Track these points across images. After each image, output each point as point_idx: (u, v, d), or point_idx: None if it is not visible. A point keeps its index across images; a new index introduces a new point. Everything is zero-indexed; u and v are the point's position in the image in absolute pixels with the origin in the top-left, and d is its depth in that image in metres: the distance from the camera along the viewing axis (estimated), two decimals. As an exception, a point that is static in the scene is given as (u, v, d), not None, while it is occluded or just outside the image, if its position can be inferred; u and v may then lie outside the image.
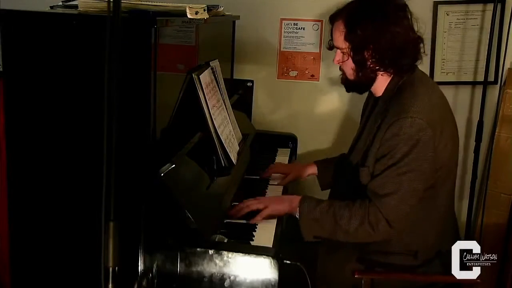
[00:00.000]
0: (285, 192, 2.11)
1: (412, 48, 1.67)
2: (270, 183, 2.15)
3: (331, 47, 1.79)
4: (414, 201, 1.61)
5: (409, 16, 1.68)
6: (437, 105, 1.68)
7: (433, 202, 1.68)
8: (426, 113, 1.59)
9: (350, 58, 1.69)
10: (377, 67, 1.68)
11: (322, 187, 2.15)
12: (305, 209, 1.70)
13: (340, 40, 1.69)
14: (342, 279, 1.73)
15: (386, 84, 1.73)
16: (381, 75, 1.71)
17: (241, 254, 1.45)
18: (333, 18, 1.74)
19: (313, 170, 2.18)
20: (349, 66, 1.71)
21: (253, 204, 1.77)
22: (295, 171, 2.19)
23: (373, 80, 1.73)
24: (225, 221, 1.72)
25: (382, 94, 1.75)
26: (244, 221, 1.74)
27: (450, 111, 1.76)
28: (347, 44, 1.67)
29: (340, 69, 1.78)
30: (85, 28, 1.44)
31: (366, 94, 1.93)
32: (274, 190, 2.10)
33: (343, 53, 1.71)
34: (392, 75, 1.71)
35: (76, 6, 1.59)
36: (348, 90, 1.82)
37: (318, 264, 1.80)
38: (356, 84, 1.76)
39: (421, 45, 1.70)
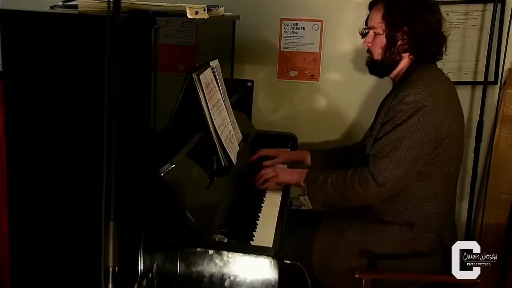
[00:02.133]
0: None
1: (440, 38, 1.83)
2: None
3: (363, 34, 1.94)
4: (406, 167, 1.69)
5: (441, 13, 1.84)
6: (443, 87, 1.81)
7: (431, 179, 1.76)
8: (430, 87, 1.72)
9: (382, 35, 1.83)
10: (405, 49, 1.82)
11: None
12: (310, 179, 1.86)
13: (377, 19, 1.84)
14: (340, 270, 1.77)
15: (405, 70, 1.86)
16: (404, 59, 1.85)
17: (241, 254, 1.45)
18: (373, 2, 1.89)
19: (302, 156, 2.24)
20: (379, 45, 1.85)
21: (267, 172, 1.98)
22: (284, 155, 2.25)
23: (397, 62, 1.86)
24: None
25: (398, 79, 1.88)
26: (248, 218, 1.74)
27: (457, 99, 1.87)
28: (383, 22, 1.82)
29: (368, 51, 1.92)
30: (85, 28, 1.44)
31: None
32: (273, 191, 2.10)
33: (375, 33, 1.85)
34: (412, 62, 1.84)
35: (76, 6, 1.59)
36: (371, 72, 1.95)
37: (314, 250, 1.83)
38: (381, 64, 1.88)
39: (444, 43, 1.85)
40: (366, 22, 1.92)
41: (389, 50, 1.84)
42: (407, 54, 1.84)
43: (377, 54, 1.87)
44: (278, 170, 2.02)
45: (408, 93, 1.70)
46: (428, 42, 1.81)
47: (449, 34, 1.91)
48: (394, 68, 1.88)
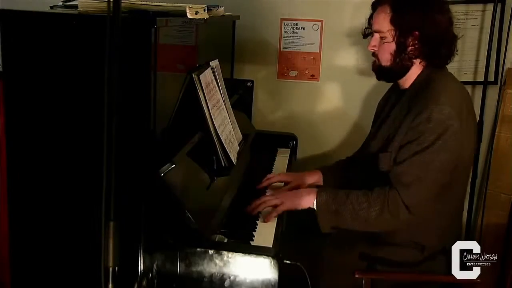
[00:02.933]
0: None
1: (451, 40, 1.71)
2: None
3: (366, 34, 1.81)
4: (436, 191, 1.61)
5: (450, 11, 1.72)
6: (465, 101, 1.70)
7: (447, 199, 1.68)
8: (455, 104, 1.61)
9: (392, 42, 1.69)
10: (417, 54, 1.70)
11: None
12: (323, 201, 1.70)
13: (384, 23, 1.70)
14: (347, 278, 1.73)
15: (416, 76, 1.75)
16: (415, 65, 1.73)
17: (241, 254, 1.45)
18: (377, 2, 1.75)
19: (314, 178, 2.08)
20: (388, 51, 1.72)
21: (270, 200, 1.78)
22: (295, 180, 2.05)
23: (407, 68, 1.74)
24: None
25: (411, 85, 1.76)
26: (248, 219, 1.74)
27: (473, 111, 1.78)
28: (392, 27, 1.68)
29: (373, 55, 1.78)
30: (85, 28, 1.44)
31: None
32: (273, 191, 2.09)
33: (381, 38, 1.72)
34: (423, 67, 1.73)
35: (76, 6, 1.59)
36: (379, 78, 1.82)
37: (324, 262, 1.80)
38: (390, 71, 1.75)
39: (455, 43, 1.74)
40: (370, 22, 1.78)
41: (399, 56, 1.70)
42: (418, 60, 1.72)
43: (386, 60, 1.74)
44: (282, 197, 1.79)
45: (434, 111, 1.58)
46: (440, 45, 1.69)
47: (460, 33, 1.78)
48: (404, 74, 1.75)
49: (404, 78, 1.77)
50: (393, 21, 1.68)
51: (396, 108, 1.78)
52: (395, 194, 1.60)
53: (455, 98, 1.64)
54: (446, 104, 1.59)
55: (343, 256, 1.77)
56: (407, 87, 1.77)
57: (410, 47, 1.69)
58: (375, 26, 1.74)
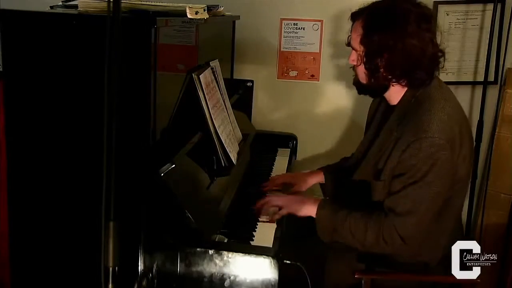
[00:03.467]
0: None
1: (428, 63, 1.60)
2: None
3: (349, 43, 1.74)
4: (431, 219, 1.61)
5: (433, 29, 1.62)
6: (455, 120, 1.62)
7: (447, 214, 1.67)
8: (445, 132, 1.55)
9: (362, 64, 1.65)
10: (389, 77, 1.64)
11: (324, 195, 2.10)
12: (323, 215, 1.71)
13: (356, 42, 1.65)
14: (347, 278, 1.73)
15: (402, 94, 1.68)
16: (394, 85, 1.67)
17: (241, 254, 1.45)
18: (354, 16, 1.70)
19: (317, 179, 2.10)
20: (362, 70, 1.68)
21: (274, 200, 1.81)
22: (297, 182, 2.09)
23: (385, 88, 1.69)
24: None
25: (398, 103, 1.70)
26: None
27: (467, 122, 1.71)
28: (362, 47, 1.63)
29: (353, 69, 1.75)
30: (85, 28, 1.44)
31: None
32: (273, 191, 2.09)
33: (358, 55, 1.67)
34: (407, 87, 1.66)
35: (76, 6, 1.59)
36: (359, 92, 1.78)
37: (327, 268, 1.79)
38: (368, 88, 1.72)
39: (441, 59, 1.66)
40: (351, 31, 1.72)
41: (372, 76, 1.64)
42: (393, 82, 1.65)
43: (362, 78, 1.69)
44: (286, 201, 1.81)
45: (423, 144, 1.53)
46: (414, 68, 1.59)
47: (446, 47, 1.69)
48: (384, 92, 1.70)
49: (388, 94, 1.72)
50: (362, 42, 1.63)
51: (385, 128, 1.73)
52: (390, 225, 1.59)
53: (446, 125, 1.57)
54: (436, 135, 1.53)
55: (343, 260, 1.77)
56: (394, 103, 1.72)
57: (381, 69, 1.62)
58: (351, 42, 1.70)
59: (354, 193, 1.83)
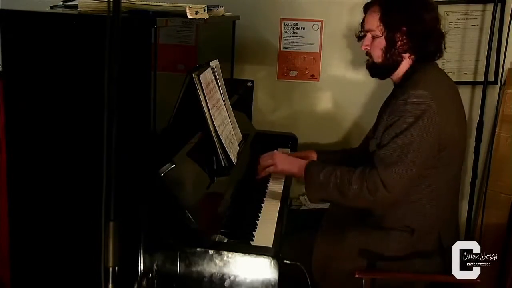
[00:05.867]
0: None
1: (437, 37, 1.82)
2: (269, 182, 2.15)
3: (359, 37, 1.92)
4: (414, 173, 1.67)
5: (437, 11, 1.84)
6: (447, 86, 1.82)
7: (434, 183, 1.74)
8: (433, 89, 1.69)
9: (381, 37, 1.80)
10: (405, 49, 1.80)
11: None
12: (311, 172, 1.81)
13: (374, 21, 1.81)
14: (341, 273, 1.75)
15: (405, 70, 1.84)
16: (405, 60, 1.83)
17: (241, 254, 1.45)
18: (368, 4, 1.87)
19: (312, 155, 2.18)
20: (378, 47, 1.82)
21: (265, 160, 1.97)
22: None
23: (398, 63, 1.83)
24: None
25: (400, 79, 1.86)
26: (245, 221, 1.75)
27: (459, 100, 1.86)
28: (381, 24, 1.80)
29: (367, 54, 1.89)
30: (85, 28, 1.44)
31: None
32: (275, 184, 2.11)
33: (373, 36, 1.83)
34: (412, 62, 1.83)
35: (76, 6, 1.59)
36: (372, 75, 1.93)
37: (314, 254, 1.82)
38: (382, 67, 1.85)
39: (443, 40, 1.84)
40: (362, 25, 1.89)
41: (389, 51, 1.81)
42: (407, 54, 1.82)
43: (377, 56, 1.84)
44: (276, 158, 1.95)
45: (412, 95, 1.67)
46: (427, 40, 1.79)
47: (447, 31, 1.90)
48: (395, 69, 1.85)
49: (396, 73, 1.86)
50: (381, 19, 1.79)
51: (386, 100, 1.91)
52: (375, 173, 1.67)
53: (434, 84, 1.73)
54: (424, 89, 1.67)
55: (336, 249, 1.80)
56: (398, 82, 1.87)
57: (399, 42, 1.79)
58: (366, 26, 1.85)
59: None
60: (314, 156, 2.17)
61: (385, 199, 1.68)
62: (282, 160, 1.95)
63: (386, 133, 1.71)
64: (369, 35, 1.85)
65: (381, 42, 1.81)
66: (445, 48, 1.86)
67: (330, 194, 1.76)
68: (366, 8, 1.87)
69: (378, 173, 1.66)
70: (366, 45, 1.86)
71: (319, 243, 1.84)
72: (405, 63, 1.84)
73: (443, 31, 1.85)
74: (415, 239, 1.75)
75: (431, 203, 1.75)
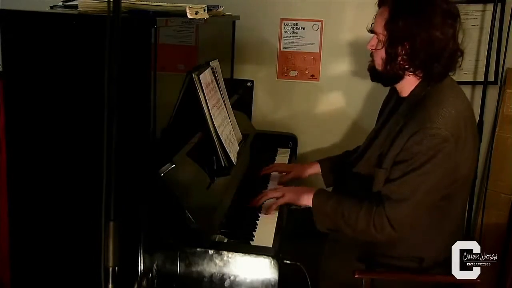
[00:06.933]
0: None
1: (447, 58, 1.61)
2: (269, 183, 2.15)
3: (371, 30, 1.75)
4: (423, 211, 1.61)
5: (456, 26, 1.62)
6: (462, 116, 1.62)
7: (447, 212, 1.67)
8: (451, 125, 1.56)
9: (383, 48, 1.66)
10: (407, 66, 1.64)
11: (326, 185, 2.13)
12: (317, 203, 1.74)
13: (380, 25, 1.66)
14: (345, 278, 1.73)
15: (414, 86, 1.69)
16: (409, 75, 1.67)
17: (241, 254, 1.45)
18: (382, 2, 1.69)
19: (315, 169, 2.17)
20: (380, 56, 1.68)
21: (272, 192, 1.87)
22: (296, 170, 2.19)
23: (399, 77, 1.69)
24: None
25: (408, 96, 1.71)
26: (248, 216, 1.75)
27: (474, 123, 1.73)
28: (385, 32, 1.64)
29: (371, 55, 1.76)
30: (85, 28, 1.44)
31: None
32: (275, 184, 2.11)
33: (378, 40, 1.68)
34: (420, 79, 1.67)
35: (76, 6, 1.59)
36: (372, 80, 1.79)
37: (322, 262, 1.80)
38: (382, 75, 1.72)
39: (460, 58, 1.66)
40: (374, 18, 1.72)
41: (389, 64, 1.65)
42: (412, 70, 1.65)
43: (378, 64, 1.70)
44: (284, 190, 1.87)
45: (427, 134, 1.53)
46: (433, 60, 1.60)
47: (466, 46, 1.70)
48: (397, 82, 1.71)
49: (400, 85, 1.73)
50: (386, 26, 1.63)
51: (392, 119, 1.75)
52: (381, 211, 1.60)
53: (452, 119, 1.57)
54: (441, 126, 1.54)
55: (342, 261, 1.77)
56: (405, 95, 1.73)
57: (400, 57, 1.63)
58: (374, 26, 1.71)
59: (355, 184, 1.83)
60: (316, 168, 2.14)
61: (391, 237, 1.62)
62: (289, 192, 1.85)
63: (397, 168, 1.60)
64: (375, 37, 1.70)
65: (382, 52, 1.67)
66: (460, 66, 1.68)
67: (336, 226, 1.69)
68: (379, 4, 1.70)
69: (385, 211, 1.59)
70: (372, 45, 1.72)
71: (325, 270, 1.80)
72: (411, 80, 1.68)
73: (462, 47, 1.65)
74: (423, 266, 1.71)
75: (443, 232, 1.69)
